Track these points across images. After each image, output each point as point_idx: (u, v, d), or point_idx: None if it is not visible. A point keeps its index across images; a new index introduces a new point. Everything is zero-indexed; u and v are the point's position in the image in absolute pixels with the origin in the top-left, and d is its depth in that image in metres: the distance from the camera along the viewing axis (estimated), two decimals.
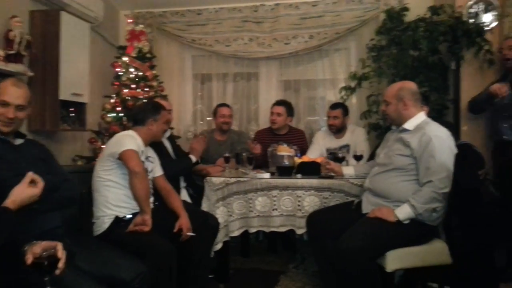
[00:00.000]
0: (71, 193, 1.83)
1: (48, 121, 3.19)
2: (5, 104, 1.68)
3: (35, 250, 1.33)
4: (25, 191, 1.39)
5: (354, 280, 2.04)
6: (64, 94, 3.24)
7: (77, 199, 1.90)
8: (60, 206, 1.74)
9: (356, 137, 3.38)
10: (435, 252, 2.17)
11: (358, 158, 2.92)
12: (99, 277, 1.64)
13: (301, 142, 3.53)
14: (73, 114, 3.46)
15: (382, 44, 3.65)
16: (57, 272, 1.35)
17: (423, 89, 3.06)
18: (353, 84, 3.65)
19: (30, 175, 1.42)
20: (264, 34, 4.17)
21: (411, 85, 2.32)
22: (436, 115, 3.31)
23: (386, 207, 2.17)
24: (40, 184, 1.46)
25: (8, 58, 2.84)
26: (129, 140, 2.29)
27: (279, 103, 3.61)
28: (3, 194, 1.42)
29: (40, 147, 1.94)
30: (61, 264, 1.35)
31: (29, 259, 1.32)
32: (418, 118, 2.23)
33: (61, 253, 1.36)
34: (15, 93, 1.70)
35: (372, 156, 2.84)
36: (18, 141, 1.79)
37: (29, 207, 1.44)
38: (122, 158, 2.23)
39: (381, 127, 3.61)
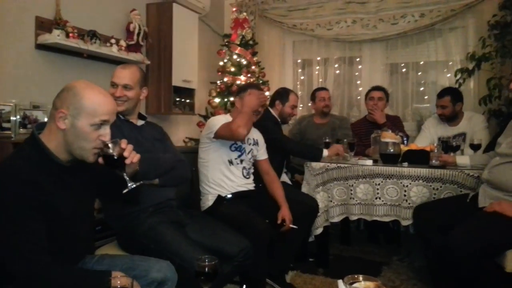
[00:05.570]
0: (185, 172, 1.98)
1: (163, 105, 3.50)
2: (114, 85, 1.89)
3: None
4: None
5: (468, 279, 1.87)
6: (176, 80, 3.51)
7: (189, 177, 2.05)
8: (175, 183, 1.92)
9: (473, 124, 3.00)
10: None
11: (475, 147, 2.63)
12: (207, 248, 1.75)
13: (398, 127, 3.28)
14: (184, 99, 3.72)
15: (507, 20, 3.23)
16: (127, 161, 1.32)
17: None
18: (470, 66, 3.28)
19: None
20: (368, 15, 3.99)
21: None
22: None
23: (507, 202, 1.95)
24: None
25: (129, 48, 3.15)
26: (221, 119, 2.40)
27: (377, 88, 3.41)
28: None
29: (158, 128, 2.11)
30: (127, 153, 1.32)
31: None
32: None
33: (124, 144, 1.34)
34: (120, 74, 1.90)
35: (491, 146, 2.54)
36: (140, 122, 1.99)
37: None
38: (220, 133, 2.30)
39: (504, 113, 3.22)
